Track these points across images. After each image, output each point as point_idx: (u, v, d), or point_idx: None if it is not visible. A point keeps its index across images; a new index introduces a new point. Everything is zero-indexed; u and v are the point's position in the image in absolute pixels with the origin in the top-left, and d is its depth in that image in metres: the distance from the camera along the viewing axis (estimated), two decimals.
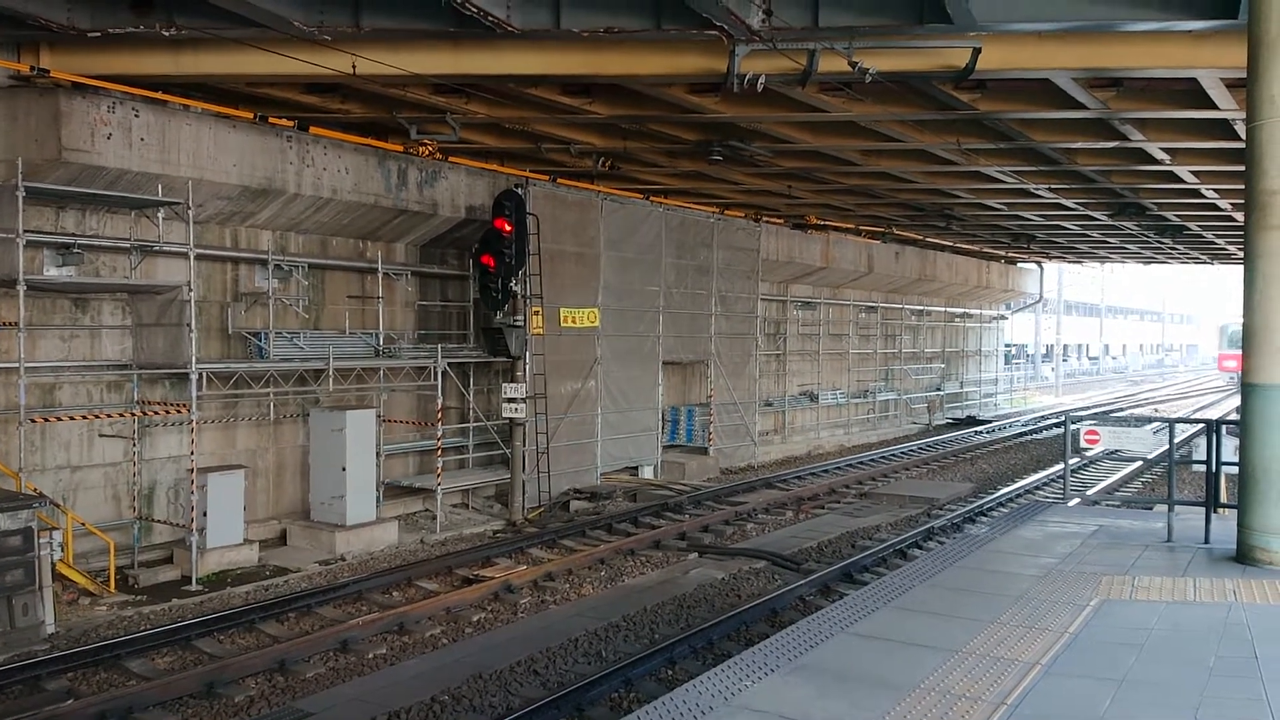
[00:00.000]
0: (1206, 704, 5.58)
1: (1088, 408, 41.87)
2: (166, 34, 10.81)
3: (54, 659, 9.58)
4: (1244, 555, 8.78)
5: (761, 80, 11.46)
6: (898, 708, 5.47)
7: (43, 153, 11.70)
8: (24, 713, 8.32)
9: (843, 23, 10.35)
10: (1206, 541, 9.77)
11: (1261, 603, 7.59)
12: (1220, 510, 10.31)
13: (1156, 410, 41.56)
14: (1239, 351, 9.30)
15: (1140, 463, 20.69)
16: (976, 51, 10.86)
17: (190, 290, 12.63)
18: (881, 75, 11.47)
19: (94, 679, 9.48)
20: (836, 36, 10.63)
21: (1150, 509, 13.28)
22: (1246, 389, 8.71)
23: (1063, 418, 12.08)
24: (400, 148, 15.92)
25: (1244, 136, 14.77)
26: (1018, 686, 5.83)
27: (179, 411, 13.25)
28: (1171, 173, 18.90)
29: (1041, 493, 19.97)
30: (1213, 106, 13.34)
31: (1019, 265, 40.89)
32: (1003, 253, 37.69)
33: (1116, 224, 26.95)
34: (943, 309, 36.93)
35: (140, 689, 8.96)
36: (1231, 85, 12.51)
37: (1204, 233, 29.49)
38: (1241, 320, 8.81)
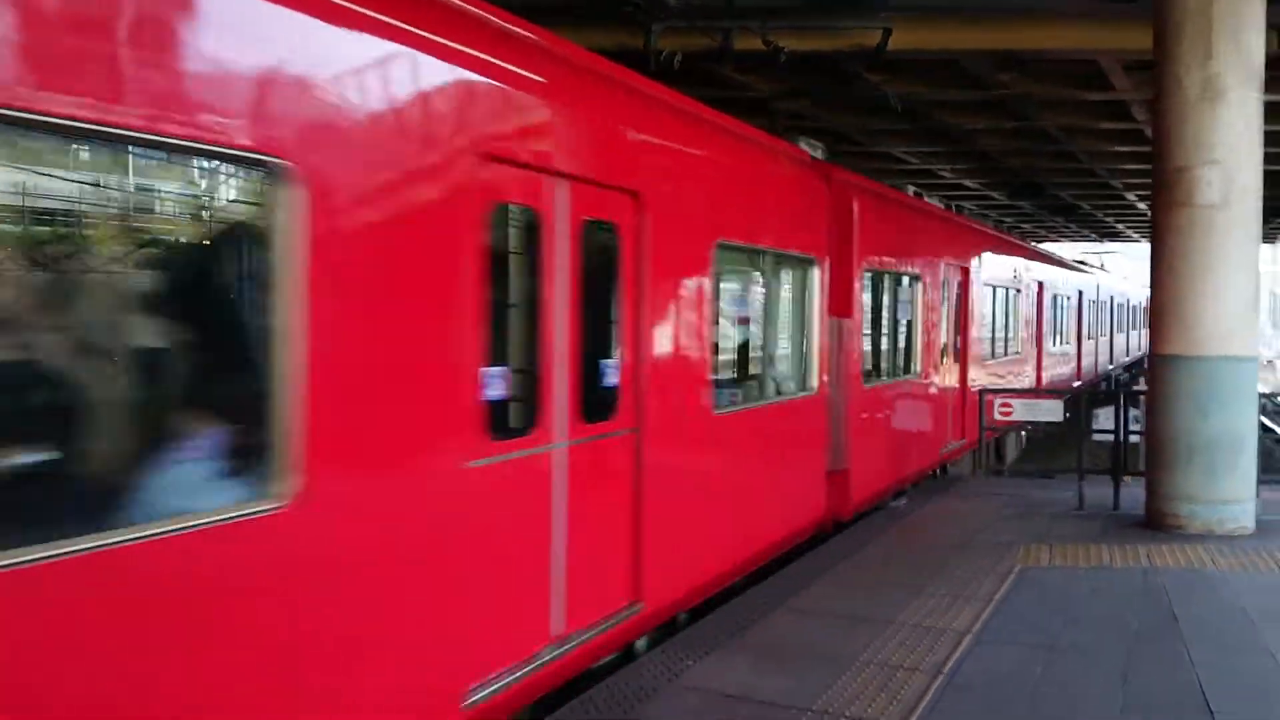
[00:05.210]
0: (1134, 667, 5.74)
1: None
2: None
3: None
4: (1153, 521, 9.07)
5: (678, 58, 11.37)
6: (840, 680, 5.49)
7: None
8: None
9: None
10: (1116, 508, 10.08)
11: (1175, 566, 7.87)
12: (1126, 478, 10.66)
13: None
14: None
15: (1046, 434, 21.25)
16: (887, 32, 10.98)
17: None
18: (795, 56, 11.49)
19: None
20: (751, 16, 10.62)
21: (1052, 478, 13.51)
22: (1154, 360, 9.00)
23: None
24: None
25: (1138, 118, 15.28)
26: (952, 655, 5.91)
27: None
28: (1069, 152, 19.51)
29: (953, 467, 20.35)
30: (1110, 88, 13.78)
31: None
32: None
33: (1014, 203, 27.75)
34: None
35: None
36: (1129, 68, 12.92)
37: (1095, 212, 30.58)
38: None
